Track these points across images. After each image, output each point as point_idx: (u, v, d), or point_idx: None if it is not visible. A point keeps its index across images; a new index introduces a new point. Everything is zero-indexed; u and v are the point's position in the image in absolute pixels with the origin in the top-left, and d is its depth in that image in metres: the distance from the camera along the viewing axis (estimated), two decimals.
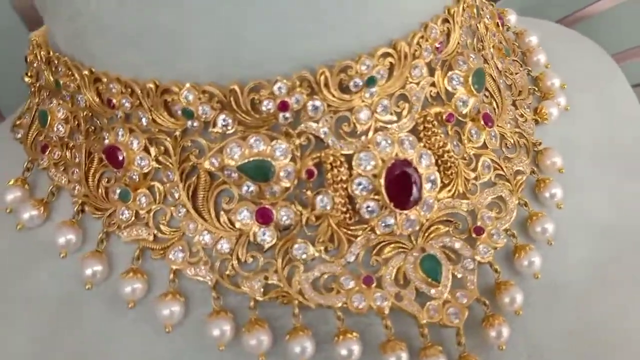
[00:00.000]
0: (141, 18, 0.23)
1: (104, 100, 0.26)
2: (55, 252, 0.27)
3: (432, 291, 0.26)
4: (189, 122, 0.24)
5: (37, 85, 0.30)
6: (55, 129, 0.28)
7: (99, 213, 0.27)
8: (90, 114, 0.27)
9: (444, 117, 0.27)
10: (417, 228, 0.26)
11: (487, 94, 0.29)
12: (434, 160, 0.26)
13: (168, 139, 0.25)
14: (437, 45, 0.26)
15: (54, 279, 0.27)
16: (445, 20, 0.26)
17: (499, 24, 0.32)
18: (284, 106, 0.24)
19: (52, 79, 0.28)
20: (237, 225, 0.25)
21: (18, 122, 0.31)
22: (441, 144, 0.26)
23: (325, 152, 0.25)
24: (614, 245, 0.30)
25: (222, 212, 0.25)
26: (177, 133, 0.25)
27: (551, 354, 0.27)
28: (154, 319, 0.25)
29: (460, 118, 0.27)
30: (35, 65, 0.29)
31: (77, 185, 0.28)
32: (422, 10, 0.26)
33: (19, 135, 0.31)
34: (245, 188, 0.24)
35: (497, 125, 0.29)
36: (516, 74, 0.32)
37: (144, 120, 0.25)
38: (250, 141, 0.24)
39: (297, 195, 0.25)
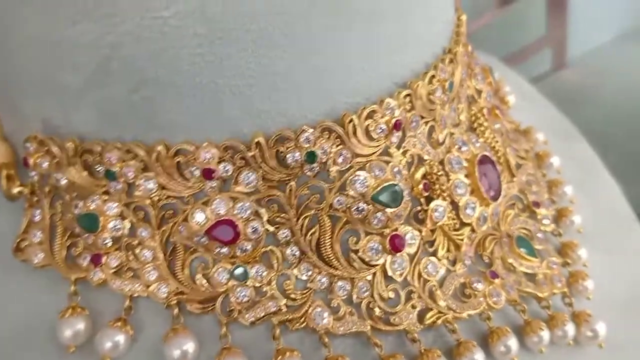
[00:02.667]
0: (245, 68, 0.21)
1: (187, 174, 0.22)
2: None
3: (534, 267, 0.27)
4: (308, 167, 0.23)
5: (46, 191, 0.24)
6: (110, 230, 0.23)
7: (205, 306, 0.23)
8: (164, 197, 0.23)
9: (485, 111, 0.29)
10: (498, 217, 0.28)
11: None
12: (491, 152, 0.28)
13: (281, 194, 0.23)
14: (470, 50, 0.28)
15: None
16: (462, 26, 0.29)
17: None
18: (397, 126, 0.24)
19: (88, 173, 0.23)
20: (372, 262, 0.24)
21: (24, 245, 0.24)
22: (492, 136, 0.29)
23: (429, 165, 0.25)
24: (591, 194, 0.35)
25: (351, 255, 0.24)
26: (292, 184, 0.23)
27: (612, 292, 0.30)
28: None
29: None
30: (44, 165, 0.23)
31: (162, 285, 0.23)
32: (452, 20, 0.28)
33: (38, 260, 0.24)
34: (375, 220, 0.23)
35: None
36: None
37: (251, 180, 0.22)
38: (372, 169, 0.23)
39: (412, 215, 0.25)
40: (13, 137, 0.26)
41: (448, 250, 0.26)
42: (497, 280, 0.26)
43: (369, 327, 0.23)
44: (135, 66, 0.21)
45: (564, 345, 0.27)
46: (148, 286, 0.23)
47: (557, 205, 0.31)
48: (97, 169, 0.23)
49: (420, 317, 0.24)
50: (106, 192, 0.23)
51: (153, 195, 0.23)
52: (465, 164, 0.26)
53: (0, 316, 0.24)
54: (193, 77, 0.21)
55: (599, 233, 0.32)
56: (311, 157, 0.22)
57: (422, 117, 0.25)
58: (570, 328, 0.26)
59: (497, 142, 0.29)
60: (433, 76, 0.25)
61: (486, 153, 0.27)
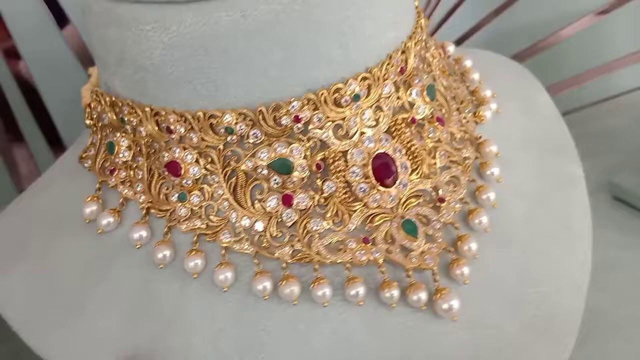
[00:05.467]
0: (189, 68, 0.33)
1: (161, 128, 0.35)
2: (127, 249, 0.36)
3: (413, 245, 0.35)
4: (229, 137, 0.34)
5: (99, 125, 0.39)
6: (121, 155, 0.37)
7: (162, 213, 0.36)
8: (150, 140, 0.36)
9: (409, 120, 0.37)
10: (397, 202, 0.36)
11: (438, 103, 0.39)
12: (404, 152, 0.36)
13: (213, 151, 0.35)
14: (400, 69, 0.36)
15: (130, 269, 0.36)
16: (403, 52, 0.37)
17: (442, 53, 0.43)
18: (297, 119, 0.34)
19: (115, 117, 0.37)
20: (268, 209, 0.34)
21: (84, 155, 0.40)
22: (409, 139, 0.36)
23: (328, 151, 0.35)
24: (542, 205, 0.40)
25: (256, 202, 0.35)
26: (220, 146, 0.34)
27: (503, 285, 0.36)
28: (213, 284, 0.34)
29: (420, 121, 0.37)
30: (98, 109, 0.38)
31: (142, 195, 0.37)
32: (388, 46, 0.36)
33: (87, 165, 0.40)
34: (273, 181, 0.34)
35: (448, 126, 0.39)
36: (457, 88, 0.43)
37: (194, 139, 0.34)
38: (275, 146, 0.34)
39: (309, 184, 0.35)
40: None
41: (336, 215, 0.35)
42: (368, 245, 0.35)
43: (254, 251, 0.34)
44: (134, 58, 0.34)
45: (419, 310, 0.35)
46: (135, 194, 0.37)
47: (470, 207, 0.37)
48: (120, 116, 0.37)
49: (294, 255, 0.34)
50: (124, 131, 0.37)
51: (145, 138, 0.36)
52: (365, 155, 0.35)
53: (64, 200, 0.40)
54: (163, 69, 0.34)
55: (520, 235, 0.38)
56: (230, 130, 0.34)
57: (328, 117, 0.34)
58: (423, 295, 0.34)
59: (413, 144, 0.36)
60: (338, 88, 0.34)
61: (387, 151, 0.35)
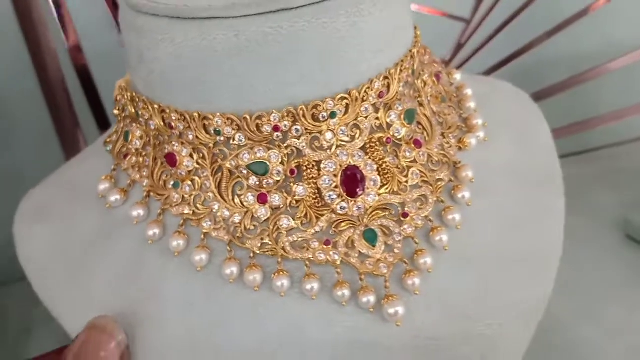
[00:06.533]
0: (190, 75, 0.38)
1: (166, 124, 0.41)
2: (129, 222, 0.42)
3: (371, 252, 0.39)
4: (218, 138, 0.39)
5: (123, 115, 0.45)
6: (134, 143, 0.43)
7: (159, 197, 0.41)
8: (157, 133, 0.42)
9: (385, 140, 0.40)
10: (363, 212, 0.39)
11: (420, 126, 0.43)
12: (375, 168, 0.40)
13: (204, 148, 0.40)
14: (379, 93, 0.40)
15: (127, 240, 0.42)
16: (386, 77, 0.40)
17: (435, 80, 0.46)
18: (276, 129, 0.38)
19: (133, 110, 0.43)
20: (245, 204, 0.39)
21: (108, 140, 0.47)
22: (381, 157, 0.40)
23: (303, 159, 0.39)
24: (512, 233, 0.42)
25: (236, 197, 0.39)
26: (211, 145, 0.39)
27: (452, 301, 0.39)
28: (190, 263, 0.39)
29: (396, 141, 0.41)
30: (122, 102, 0.44)
31: (146, 179, 0.42)
32: (370, 71, 0.40)
33: (109, 148, 0.46)
34: (251, 180, 0.39)
35: (426, 148, 0.42)
36: (448, 114, 0.46)
37: (190, 136, 0.40)
38: (255, 150, 0.38)
39: (284, 187, 0.39)
40: None
41: (305, 217, 0.39)
42: (329, 247, 0.39)
43: (228, 239, 0.39)
44: (148, 63, 0.40)
45: (368, 311, 0.38)
46: (141, 177, 0.43)
47: (434, 224, 0.40)
48: (136, 110, 0.43)
49: (262, 247, 0.39)
50: (139, 123, 0.43)
51: (153, 130, 0.42)
52: (337, 167, 0.39)
53: (91, 175, 0.46)
54: (169, 74, 0.39)
55: (481, 257, 0.41)
56: (218, 132, 0.39)
57: (307, 129, 0.38)
58: (371, 298, 0.38)
59: (385, 162, 0.40)
60: (317, 105, 0.38)
61: (357, 164, 0.39)
